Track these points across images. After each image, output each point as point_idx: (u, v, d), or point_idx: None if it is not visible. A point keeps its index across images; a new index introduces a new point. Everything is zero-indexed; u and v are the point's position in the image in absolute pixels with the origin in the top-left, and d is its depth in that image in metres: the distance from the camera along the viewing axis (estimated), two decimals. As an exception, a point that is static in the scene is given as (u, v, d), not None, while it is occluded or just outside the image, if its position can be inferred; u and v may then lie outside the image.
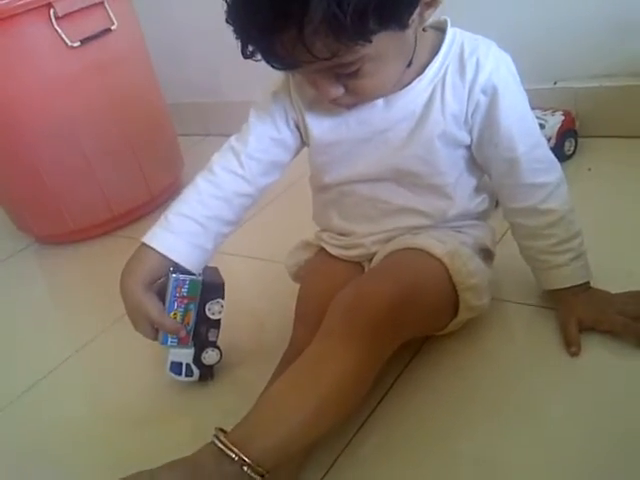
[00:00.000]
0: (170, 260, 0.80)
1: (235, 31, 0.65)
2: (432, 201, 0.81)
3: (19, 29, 1.24)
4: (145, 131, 1.45)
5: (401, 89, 0.76)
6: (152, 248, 0.80)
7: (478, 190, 0.83)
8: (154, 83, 1.52)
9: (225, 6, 0.66)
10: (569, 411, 0.71)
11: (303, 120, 0.81)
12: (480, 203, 0.84)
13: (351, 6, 0.60)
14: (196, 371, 0.86)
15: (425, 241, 0.79)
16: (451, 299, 0.79)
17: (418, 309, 0.74)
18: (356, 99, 0.74)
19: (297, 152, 0.86)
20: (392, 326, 0.71)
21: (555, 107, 1.23)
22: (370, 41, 0.64)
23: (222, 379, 0.87)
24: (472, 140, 0.78)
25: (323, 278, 0.87)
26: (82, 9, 1.28)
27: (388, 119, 0.78)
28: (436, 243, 0.78)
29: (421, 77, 0.76)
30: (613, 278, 0.82)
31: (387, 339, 0.71)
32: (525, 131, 0.77)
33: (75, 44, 1.28)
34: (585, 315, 0.78)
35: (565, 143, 1.21)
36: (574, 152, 1.23)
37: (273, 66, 0.67)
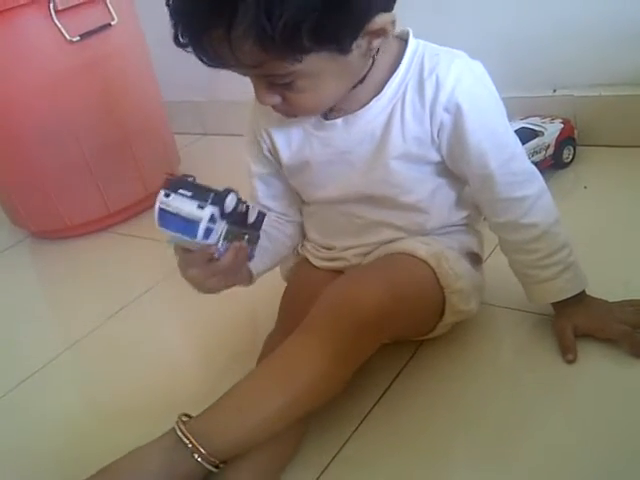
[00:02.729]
0: None
1: (171, 16, 0.64)
2: (408, 216, 0.79)
3: (18, 22, 1.23)
4: (142, 128, 1.44)
5: (359, 109, 0.75)
6: None
7: (460, 203, 0.81)
8: (152, 80, 1.52)
9: None
10: (566, 418, 0.71)
11: (273, 146, 0.81)
12: (463, 215, 0.82)
13: (282, 21, 0.57)
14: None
15: (410, 244, 0.78)
16: (437, 302, 0.78)
17: (404, 310, 0.73)
18: (293, 111, 0.72)
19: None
20: (376, 326, 0.70)
21: (554, 115, 1.24)
22: (299, 60, 0.62)
23: (218, 379, 0.86)
24: (443, 157, 0.76)
25: (305, 283, 0.87)
26: (82, 3, 1.28)
27: (348, 140, 0.76)
28: (421, 246, 0.78)
29: (379, 96, 0.73)
30: (610, 288, 0.81)
31: (369, 339, 0.71)
32: (497, 146, 0.73)
33: (74, 39, 1.27)
34: (583, 323, 0.78)
35: (564, 151, 1.21)
36: (572, 160, 1.23)
37: (202, 60, 0.65)
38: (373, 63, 0.72)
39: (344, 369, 0.69)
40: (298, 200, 0.87)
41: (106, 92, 1.35)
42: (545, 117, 1.23)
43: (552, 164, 1.20)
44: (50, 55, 1.28)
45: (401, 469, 0.70)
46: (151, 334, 1.04)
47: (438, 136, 0.73)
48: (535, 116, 1.24)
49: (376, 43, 0.67)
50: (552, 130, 1.19)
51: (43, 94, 1.29)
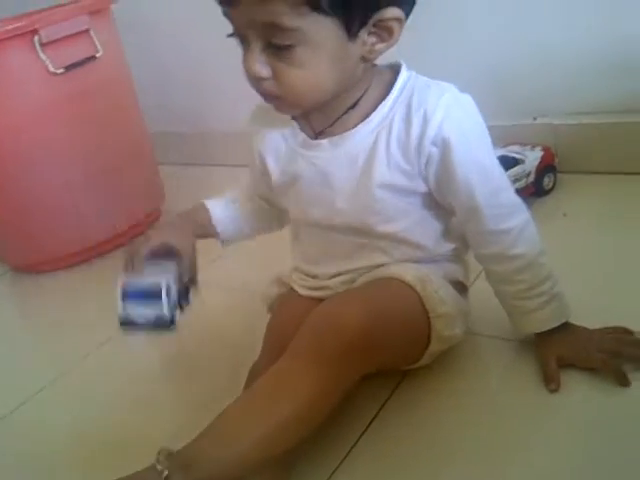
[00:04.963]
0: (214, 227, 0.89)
1: None
2: (392, 245, 0.79)
3: (3, 55, 1.24)
4: (126, 158, 1.44)
5: (345, 131, 0.75)
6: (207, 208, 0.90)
7: (447, 234, 0.81)
8: (137, 111, 1.52)
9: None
10: (549, 447, 0.70)
11: (264, 166, 0.83)
12: (451, 247, 0.82)
13: None
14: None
15: (396, 269, 0.78)
16: (423, 327, 0.77)
17: (389, 336, 0.73)
18: (280, 91, 0.69)
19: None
20: (361, 352, 0.69)
21: (534, 143, 1.25)
22: (311, 9, 0.62)
23: (199, 413, 0.85)
24: (430, 188, 0.76)
25: (290, 312, 0.86)
26: (67, 36, 1.29)
27: (332, 161, 0.76)
28: (407, 270, 0.78)
29: (366, 121, 0.74)
30: (590, 315, 0.81)
31: (355, 365, 0.70)
32: (484, 179, 0.74)
33: (59, 71, 1.28)
34: (564, 352, 0.78)
35: (544, 178, 1.22)
36: (553, 187, 1.24)
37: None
38: (368, 87, 0.73)
39: (329, 397, 0.69)
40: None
41: (91, 123, 1.36)
42: (526, 145, 1.25)
43: (533, 191, 1.21)
44: (35, 87, 1.29)
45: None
46: (131, 369, 1.03)
47: (425, 168, 0.74)
48: (516, 144, 1.25)
49: (378, 48, 0.69)
50: (533, 158, 1.21)
51: (27, 125, 1.29)
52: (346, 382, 0.70)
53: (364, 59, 0.70)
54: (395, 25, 0.67)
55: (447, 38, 1.33)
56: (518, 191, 1.14)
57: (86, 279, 1.37)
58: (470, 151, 0.73)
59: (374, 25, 0.67)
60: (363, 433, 0.78)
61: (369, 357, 0.72)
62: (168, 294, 0.75)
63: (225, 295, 1.13)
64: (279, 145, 0.80)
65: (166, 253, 0.80)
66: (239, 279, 1.18)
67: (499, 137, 1.26)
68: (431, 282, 0.77)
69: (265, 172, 0.84)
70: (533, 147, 1.24)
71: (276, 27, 0.64)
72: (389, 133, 0.73)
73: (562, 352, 0.78)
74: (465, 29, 1.31)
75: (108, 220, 1.43)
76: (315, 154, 0.77)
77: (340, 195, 0.77)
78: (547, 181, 1.23)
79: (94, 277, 1.37)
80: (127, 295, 0.76)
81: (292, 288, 0.90)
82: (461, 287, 0.85)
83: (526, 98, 1.30)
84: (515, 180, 1.16)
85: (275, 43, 0.65)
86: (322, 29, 0.64)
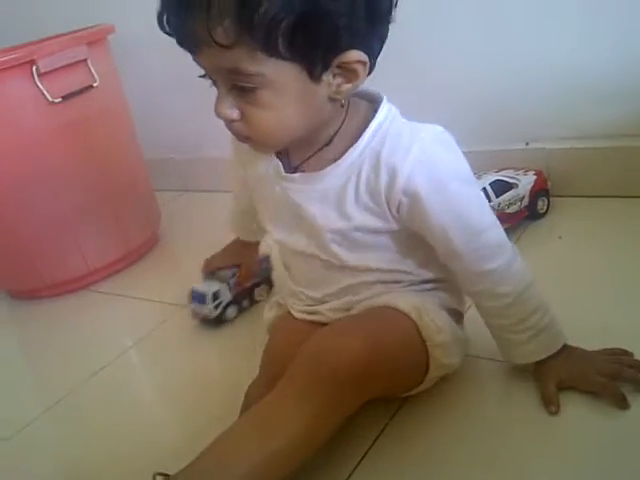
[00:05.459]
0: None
1: None
2: (368, 273, 0.79)
3: (1, 84, 1.25)
4: (123, 186, 1.45)
5: (318, 171, 0.75)
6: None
7: (428, 263, 0.81)
8: (133, 138, 1.53)
9: None
10: (550, 471, 0.70)
11: (247, 181, 0.86)
12: (436, 274, 0.82)
13: (263, 8, 0.59)
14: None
15: (391, 297, 0.78)
16: (421, 355, 0.77)
17: (386, 367, 0.73)
18: (249, 131, 0.70)
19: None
20: (356, 382, 0.69)
21: (527, 167, 1.27)
22: (269, 55, 0.62)
23: (195, 440, 0.85)
24: (404, 227, 0.76)
25: (286, 334, 0.86)
26: (65, 66, 1.30)
27: (304, 194, 0.76)
28: (402, 298, 0.78)
29: (337, 163, 0.73)
30: (588, 337, 0.82)
31: (350, 396, 0.70)
32: (461, 225, 0.72)
33: (57, 100, 1.29)
34: (563, 375, 0.78)
35: (538, 202, 1.23)
36: (547, 210, 1.25)
37: (179, 43, 0.66)
38: (342, 123, 0.73)
39: (323, 428, 0.69)
40: None
41: (88, 151, 1.36)
42: (519, 169, 1.26)
43: (527, 215, 1.22)
44: (33, 116, 1.29)
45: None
46: (127, 395, 1.03)
47: (398, 212, 0.73)
48: (509, 168, 1.27)
49: (345, 89, 0.68)
50: (526, 182, 1.22)
51: (24, 154, 1.30)
52: (342, 413, 0.70)
53: (331, 99, 0.70)
54: (359, 67, 0.66)
55: (439, 64, 1.35)
56: (512, 215, 1.18)
57: (83, 305, 1.37)
58: (444, 202, 0.71)
59: (338, 67, 0.67)
60: (360, 461, 0.77)
61: (366, 389, 0.72)
62: (214, 299, 1.10)
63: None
64: (259, 170, 0.81)
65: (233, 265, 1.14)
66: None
67: (493, 162, 1.28)
68: (427, 310, 0.77)
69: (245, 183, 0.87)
70: (526, 171, 1.25)
71: (239, 72, 0.65)
72: (358, 178, 0.73)
73: (561, 375, 0.78)
74: (457, 54, 1.32)
75: (105, 246, 1.43)
76: (288, 185, 0.78)
77: (309, 227, 0.77)
78: (541, 204, 1.24)
79: (92, 303, 1.36)
80: (192, 297, 1.13)
81: (289, 311, 0.90)
82: (457, 315, 0.85)
83: (518, 124, 1.32)
84: (509, 204, 1.18)
85: (240, 86, 0.66)
86: (283, 73, 0.65)
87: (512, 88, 1.30)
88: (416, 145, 0.70)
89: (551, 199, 1.26)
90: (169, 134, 1.82)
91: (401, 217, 0.74)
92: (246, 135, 0.71)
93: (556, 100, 1.27)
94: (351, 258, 0.78)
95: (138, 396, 1.04)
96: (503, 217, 1.16)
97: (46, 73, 1.27)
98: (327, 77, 0.67)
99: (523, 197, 1.21)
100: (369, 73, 0.69)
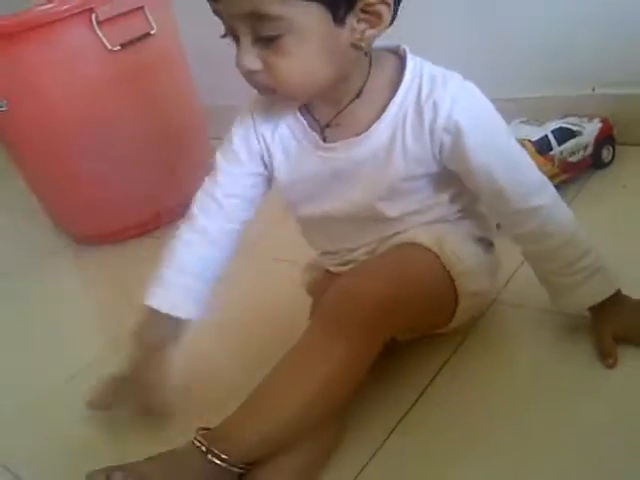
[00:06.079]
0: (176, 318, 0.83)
1: None
2: (402, 218, 0.80)
3: (61, 33, 1.27)
4: (180, 133, 1.47)
5: (360, 133, 0.75)
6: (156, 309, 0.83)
7: (459, 195, 0.81)
8: (191, 86, 1.54)
9: None
10: (607, 427, 0.70)
11: (269, 156, 0.82)
12: (464, 205, 0.82)
13: None
14: None
15: (412, 233, 0.79)
16: (448, 287, 0.77)
17: (409, 300, 0.73)
18: (273, 82, 0.69)
19: (269, 185, 0.85)
20: (381, 320, 0.70)
21: (592, 114, 1.22)
22: None
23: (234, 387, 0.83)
24: (446, 168, 0.76)
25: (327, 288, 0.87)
26: (122, 14, 1.31)
27: (348, 162, 0.76)
28: (422, 233, 0.78)
29: (379, 121, 0.73)
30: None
31: (377, 334, 0.71)
32: (503, 159, 0.73)
33: (115, 48, 1.30)
34: (619, 326, 0.77)
35: (603, 151, 1.19)
36: (612, 159, 1.21)
37: None
38: (368, 75, 0.73)
39: (357, 363, 0.70)
40: (251, 209, 0.85)
41: (145, 98, 1.38)
42: (583, 116, 1.21)
43: (591, 164, 1.18)
44: (92, 64, 1.32)
45: (439, 472, 0.70)
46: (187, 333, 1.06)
47: (440, 154, 0.74)
48: (573, 115, 1.22)
49: (369, 35, 0.68)
50: (591, 129, 1.18)
51: (85, 101, 1.33)
52: (370, 349, 0.71)
53: (355, 46, 0.69)
54: (383, 9, 0.66)
55: (504, 6, 1.30)
56: (575, 164, 1.14)
57: (145, 251, 1.38)
58: (484, 136, 0.72)
59: (362, 10, 0.66)
60: (414, 404, 0.79)
61: (391, 325, 0.72)
62: None
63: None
64: (289, 143, 0.80)
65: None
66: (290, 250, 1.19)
67: (556, 108, 1.24)
68: (448, 241, 0.77)
69: (267, 161, 0.82)
70: (591, 119, 1.20)
71: (261, 16, 0.64)
72: (403, 128, 0.73)
73: (616, 326, 0.77)
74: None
75: (163, 193, 1.45)
76: (329, 155, 0.77)
77: (354, 190, 0.78)
78: (606, 153, 1.20)
79: (150, 250, 1.38)
80: None
81: (326, 270, 0.91)
82: (485, 242, 0.84)
83: (585, 68, 1.26)
84: (572, 153, 1.14)
85: (263, 35, 0.66)
86: (307, 16, 0.64)
87: (579, 31, 1.24)
88: (452, 82, 0.72)
89: (616, 147, 1.21)
90: (225, 81, 1.82)
91: (443, 158, 0.74)
92: (270, 87, 0.70)
93: (625, 44, 1.21)
94: (392, 210, 0.78)
95: (197, 335, 1.07)
96: (565, 166, 1.13)
97: (105, 21, 1.28)
98: (351, 21, 0.66)
99: (587, 145, 1.16)
100: (391, 22, 0.68)
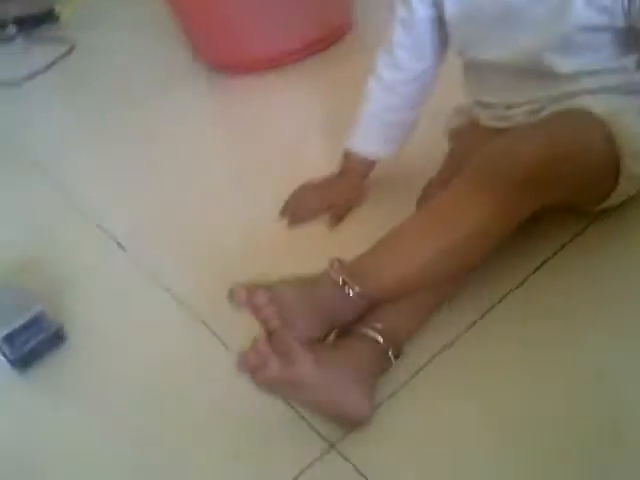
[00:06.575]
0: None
1: None
2: (579, 77, 0.75)
3: None
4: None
5: None
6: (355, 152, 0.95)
7: None
8: None
9: None
10: None
11: None
12: None
13: None
14: None
15: (585, 101, 0.75)
16: (609, 164, 0.74)
17: (567, 169, 0.71)
18: None
19: (441, 35, 0.85)
20: (535, 183, 0.69)
21: None
22: None
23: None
24: (636, 27, 0.70)
25: (471, 140, 0.87)
26: None
27: None
28: (598, 103, 0.74)
29: None
30: None
31: (528, 196, 0.70)
32: None
33: None
34: None
35: None
36: None
37: None
38: None
39: (500, 223, 0.70)
40: (434, 57, 0.88)
41: None
42: None
43: None
44: None
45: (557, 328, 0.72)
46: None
47: (630, 4, 0.68)
48: None
49: None
50: None
51: None
52: (517, 214, 0.71)
53: None
54: None
55: None
56: None
57: (280, 84, 1.40)
58: None
59: None
60: (540, 266, 0.79)
61: (544, 190, 0.71)
62: None
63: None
64: None
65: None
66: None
67: None
68: (625, 117, 0.73)
69: (434, 8, 0.81)
70: None
71: None
72: None
73: None
74: None
75: (305, 25, 1.42)
76: None
77: (526, 34, 0.74)
78: None
79: (288, 82, 1.39)
80: None
81: (472, 119, 0.90)
82: None
83: None
84: None
85: None
86: None
87: None
88: None
89: None
90: None
91: (632, 10, 0.69)
92: None
93: None
94: (564, 65, 0.74)
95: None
96: None
97: None
98: None
99: None
100: None
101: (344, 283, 0.69)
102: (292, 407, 0.70)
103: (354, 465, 0.65)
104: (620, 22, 0.70)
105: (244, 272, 0.70)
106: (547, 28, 0.72)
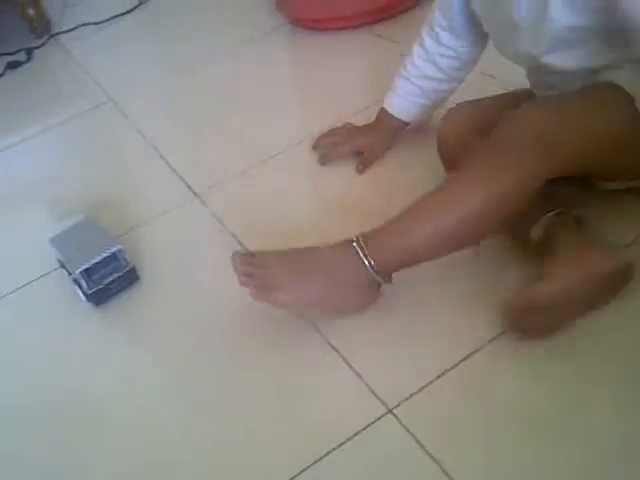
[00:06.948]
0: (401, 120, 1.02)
1: None
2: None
3: None
4: None
5: None
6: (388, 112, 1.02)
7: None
8: None
9: None
10: None
11: None
12: None
13: None
14: None
15: (614, 75, 0.73)
16: (630, 142, 0.73)
17: (578, 141, 0.70)
18: None
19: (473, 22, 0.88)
20: (543, 155, 0.68)
21: None
22: None
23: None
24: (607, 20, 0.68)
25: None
26: None
27: None
28: (626, 78, 0.72)
29: None
30: None
31: (538, 170, 0.69)
32: None
33: None
34: None
35: None
36: None
37: None
38: None
39: (505, 202, 0.70)
40: (473, 41, 0.92)
41: None
42: None
43: None
44: None
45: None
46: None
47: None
48: None
49: None
50: None
51: None
52: (526, 188, 0.70)
53: None
54: None
55: None
56: None
57: (352, 46, 1.39)
58: None
59: None
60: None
61: (553, 163, 0.70)
62: None
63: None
64: None
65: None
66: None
67: None
68: None
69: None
70: None
71: None
72: None
73: None
74: None
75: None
76: None
77: (521, 37, 0.76)
78: None
79: (364, 45, 1.39)
80: None
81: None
82: None
83: None
84: None
85: None
86: None
87: None
88: None
89: None
90: None
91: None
92: None
93: None
94: (565, 64, 0.75)
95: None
96: None
97: None
98: None
99: None
100: None
101: (366, 256, 0.72)
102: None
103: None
104: (603, 20, 0.69)
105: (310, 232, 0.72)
106: (536, 31, 0.74)
